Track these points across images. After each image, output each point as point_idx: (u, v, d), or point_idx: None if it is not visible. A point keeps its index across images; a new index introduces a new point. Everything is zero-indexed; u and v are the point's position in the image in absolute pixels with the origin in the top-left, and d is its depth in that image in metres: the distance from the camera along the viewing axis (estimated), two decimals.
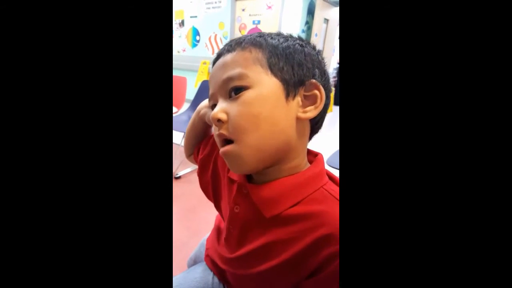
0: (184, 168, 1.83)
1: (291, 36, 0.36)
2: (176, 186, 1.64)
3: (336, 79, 4.91)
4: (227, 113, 0.32)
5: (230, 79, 0.33)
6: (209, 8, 3.89)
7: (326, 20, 4.34)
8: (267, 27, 3.51)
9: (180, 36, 4.35)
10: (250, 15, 3.64)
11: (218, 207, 0.49)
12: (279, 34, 0.36)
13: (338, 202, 0.33)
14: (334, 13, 4.39)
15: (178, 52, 4.44)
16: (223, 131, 0.33)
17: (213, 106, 0.37)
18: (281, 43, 0.34)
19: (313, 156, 0.39)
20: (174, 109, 2.08)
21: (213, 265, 0.50)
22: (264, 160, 0.33)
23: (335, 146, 1.59)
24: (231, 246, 0.42)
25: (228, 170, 0.42)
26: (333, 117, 3.73)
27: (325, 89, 0.34)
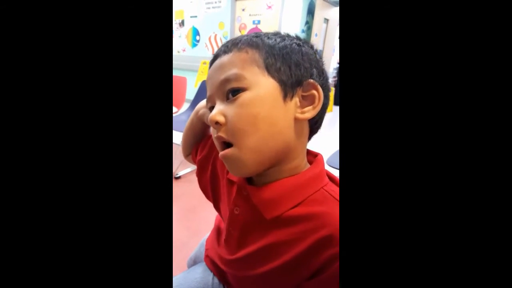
0: (184, 168, 1.83)
1: (288, 36, 0.36)
2: (176, 186, 1.64)
3: (336, 79, 4.91)
4: (225, 116, 0.32)
5: (227, 80, 0.32)
6: (209, 8, 3.89)
7: (326, 20, 4.34)
8: (267, 27, 3.51)
9: (180, 36, 4.35)
10: (250, 15, 3.64)
11: (217, 207, 0.48)
12: (276, 34, 0.36)
13: (338, 203, 0.33)
14: (334, 13, 4.39)
15: (178, 52, 4.44)
16: (222, 134, 0.32)
17: (211, 108, 0.36)
18: (278, 43, 0.33)
19: (313, 156, 0.39)
20: (174, 109, 2.08)
21: (213, 266, 0.50)
22: (264, 162, 0.33)
23: (335, 146, 1.58)
24: (231, 248, 0.42)
25: (227, 171, 0.42)
26: (333, 117, 3.73)
27: (323, 89, 0.34)
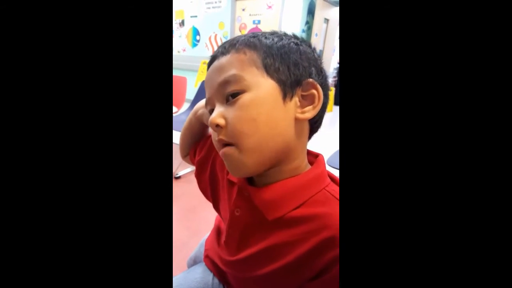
0: (184, 168, 1.83)
1: (285, 35, 0.36)
2: (176, 186, 1.64)
3: (336, 79, 4.91)
4: (225, 118, 0.32)
5: (226, 82, 0.32)
6: (209, 8, 3.89)
7: (326, 20, 4.34)
8: (267, 27, 3.51)
9: (180, 36, 4.35)
10: (250, 15, 3.64)
11: (217, 208, 0.48)
12: (273, 33, 0.35)
13: None
14: (334, 13, 4.39)
15: (178, 52, 4.44)
16: (222, 137, 0.32)
17: (210, 111, 0.36)
18: (276, 43, 0.33)
19: (313, 157, 0.39)
20: (174, 109, 2.09)
21: (213, 266, 0.50)
22: (264, 163, 0.33)
23: (335, 146, 1.58)
24: (231, 249, 0.41)
25: (227, 172, 0.42)
26: (333, 117, 3.73)
27: (322, 88, 0.33)
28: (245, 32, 3.67)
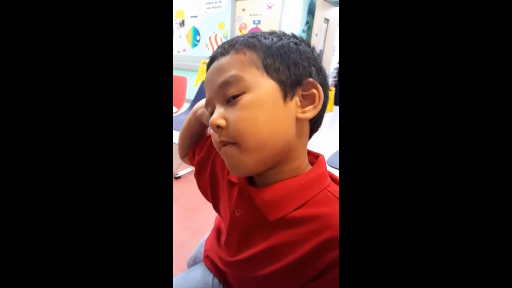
0: (184, 168, 1.83)
1: (284, 34, 0.36)
2: (176, 186, 1.64)
3: (336, 79, 4.91)
4: (226, 119, 0.32)
5: (226, 83, 0.32)
6: (209, 8, 3.89)
7: (327, 20, 4.34)
8: (267, 27, 3.47)
9: (180, 36, 4.35)
10: (250, 15, 3.64)
11: (217, 208, 0.48)
12: (272, 33, 0.35)
13: None
14: (334, 13, 4.39)
15: (178, 52, 4.44)
16: (224, 138, 0.32)
17: (211, 112, 0.36)
18: (275, 43, 0.33)
19: (314, 157, 0.39)
20: (174, 109, 2.08)
21: (213, 266, 0.50)
22: (265, 162, 0.33)
23: (335, 146, 1.58)
24: (231, 249, 0.41)
25: (228, 172, 0.41)
26: (333, 117, 3.73)
27: (322, 87, 0.33)
28: (245, 32, 3.67)
